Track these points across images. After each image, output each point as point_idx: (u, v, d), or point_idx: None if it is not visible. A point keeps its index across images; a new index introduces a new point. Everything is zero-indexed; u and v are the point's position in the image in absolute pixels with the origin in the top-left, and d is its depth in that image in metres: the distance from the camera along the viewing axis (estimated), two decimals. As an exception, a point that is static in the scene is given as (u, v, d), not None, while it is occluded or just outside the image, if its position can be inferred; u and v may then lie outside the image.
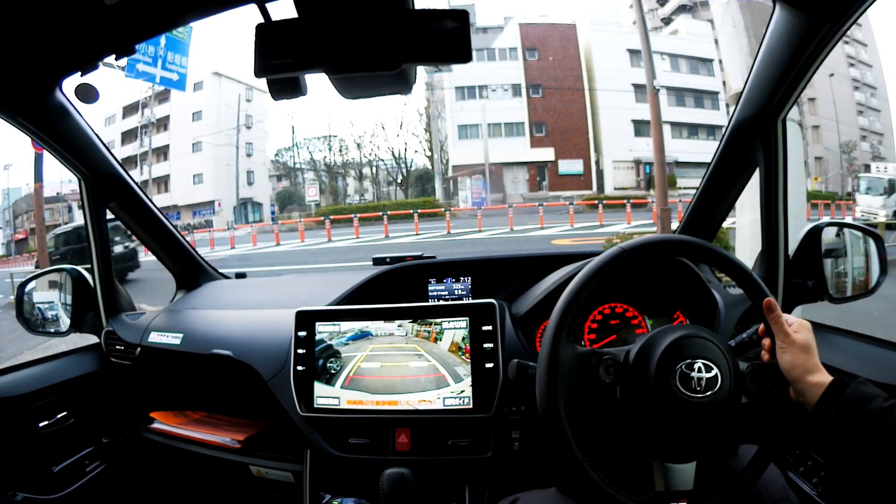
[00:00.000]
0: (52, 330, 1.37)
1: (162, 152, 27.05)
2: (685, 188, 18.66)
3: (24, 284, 1.32)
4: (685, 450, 0.68)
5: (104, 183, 1.28)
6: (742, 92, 0.98)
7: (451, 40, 0.64)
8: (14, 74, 0.89)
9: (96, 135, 1.20)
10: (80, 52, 0.85)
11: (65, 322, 1.34)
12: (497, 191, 23.03)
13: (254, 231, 16.19)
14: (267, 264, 10.12)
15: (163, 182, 27.23)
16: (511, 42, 24.54)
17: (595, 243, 7.97)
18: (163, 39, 7.39)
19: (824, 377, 0.65)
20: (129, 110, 27.42)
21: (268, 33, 0.66)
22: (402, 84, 0.73)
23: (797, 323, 0.69)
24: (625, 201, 13.73)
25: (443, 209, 17.73)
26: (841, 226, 1.03)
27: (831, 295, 0.99)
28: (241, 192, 27.84)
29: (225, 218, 25.47)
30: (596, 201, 14.90)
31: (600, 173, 24.08)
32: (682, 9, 28.74)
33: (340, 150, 29.85)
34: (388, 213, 15.64)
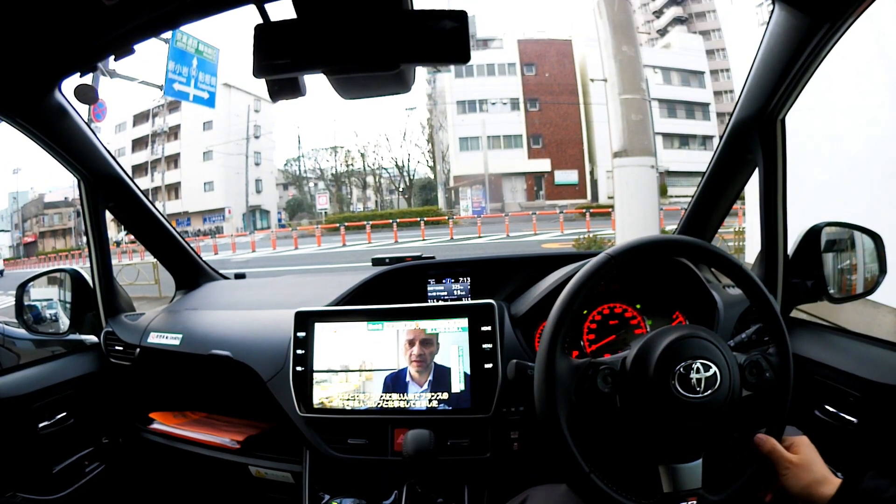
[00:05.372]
0: (52, 330, 1.37)
1: (173, 160, 28.04)
2: (676, 196, 19.12)
3: (23, 285, 1.32)
4: (689, 449, 0.68)
5: (103, 184, 1.28)
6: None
7: (449, 40, 0.64)
8: (13, 75, 0.89)
9: (95, 136, 1.20)
10: (79, 53, 0.84)
11: (64, 323, 1.34)
12: (496, 200, 23.95)
13: (273, 236, 17.27)
14: (291, 264, 10.65)
15: (174, 189, 28.14)
16: (510, 58, 25.58)
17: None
18: (195, 61, 8.00)
19: (832, 487, 0.63)
20: (140, 118, 28.57)
21: (266, 34, 0.66)
22: (401, 84, 0.73)
23: (795, 444, 0.68)
24: (584, 210, 15.51)
25: (446, 217, 18.83)
26: (840, 225, 1.02)
27: (831, 295, 0.99)
28: (249, 200, 29.15)
29: (234, 224, 26.51)
30: (584, 210, 16.03)
31: (594, 183, 25.10)
32: (677, 21, 29.75)
33: (346, 161, 30.61)
34: (397, 220, 16.75)
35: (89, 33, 0.78)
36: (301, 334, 1.08)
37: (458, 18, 0.63)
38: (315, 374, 1.06)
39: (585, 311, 1.12)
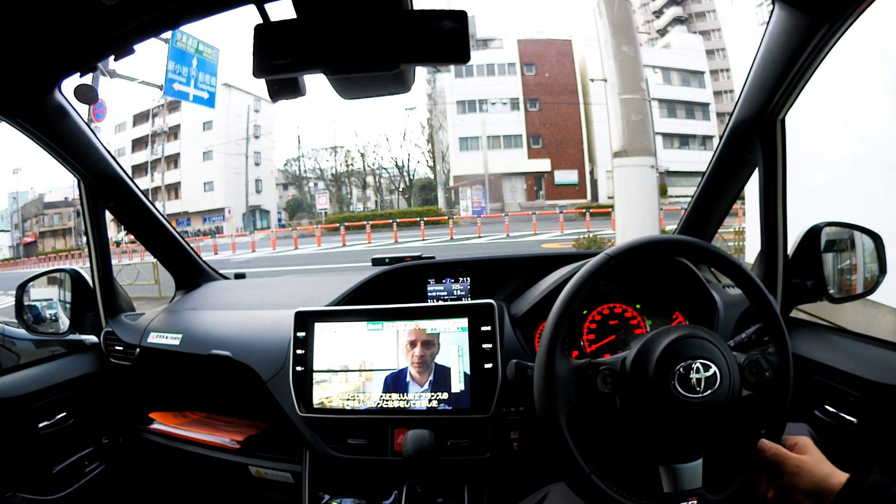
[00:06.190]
0: (52, 330, 1.37)
1: (173, 160, 28.21)
2: (676, 196, 19.21)
3: (23, 285, 1.32)
4: (689, 449, 0.68)
5: (103, 184, 1.28)
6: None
7: (449, 40, 0.64)
8: (13, 75, 0.89)
9: (95, 136, 1.20)
10: (78, 53, 0.84)
11: (64, 323, 1.34)
12: (496, 200, 24.06)
13: (273, 236, 17.35)
14: (290, 264, 10.71)
15: (174, 189, 28.29)
16: (510, 58, 25.71)
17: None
18: (194, 61, 8.01)
19: (841, 478, 0.63)
20: (140, 119, 28.74)
21: (266, 34, 0.66)
22: (401, 84, 0.73)
23: (799, 444, 0.67)
24: (584, 210, 15.67)
25: (446, 217, 18.90)
26: (840, 225, 1.02)
27: (831, 295, 0.99)
28: (249, 200, 29.33)
29: (234, 225, 26.56)
30: (584, 210, 16.11)
31: (594, 183, 25.26)
32: (676, 21, 29.92)
33: (346, 161, 30.75)
34: (397, 220, 16.85)
35: (89, 33, 0.78)
36: (301, 334, 1.08)
37: (458, 18, 0.63)
38: (315, 374, 1.06)
39: (585, 312, 1.12)
